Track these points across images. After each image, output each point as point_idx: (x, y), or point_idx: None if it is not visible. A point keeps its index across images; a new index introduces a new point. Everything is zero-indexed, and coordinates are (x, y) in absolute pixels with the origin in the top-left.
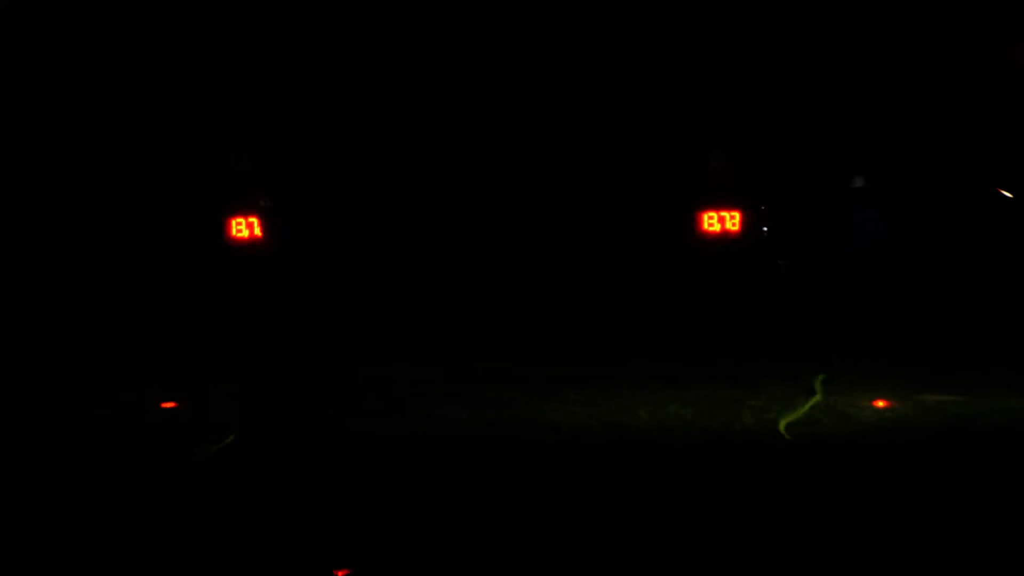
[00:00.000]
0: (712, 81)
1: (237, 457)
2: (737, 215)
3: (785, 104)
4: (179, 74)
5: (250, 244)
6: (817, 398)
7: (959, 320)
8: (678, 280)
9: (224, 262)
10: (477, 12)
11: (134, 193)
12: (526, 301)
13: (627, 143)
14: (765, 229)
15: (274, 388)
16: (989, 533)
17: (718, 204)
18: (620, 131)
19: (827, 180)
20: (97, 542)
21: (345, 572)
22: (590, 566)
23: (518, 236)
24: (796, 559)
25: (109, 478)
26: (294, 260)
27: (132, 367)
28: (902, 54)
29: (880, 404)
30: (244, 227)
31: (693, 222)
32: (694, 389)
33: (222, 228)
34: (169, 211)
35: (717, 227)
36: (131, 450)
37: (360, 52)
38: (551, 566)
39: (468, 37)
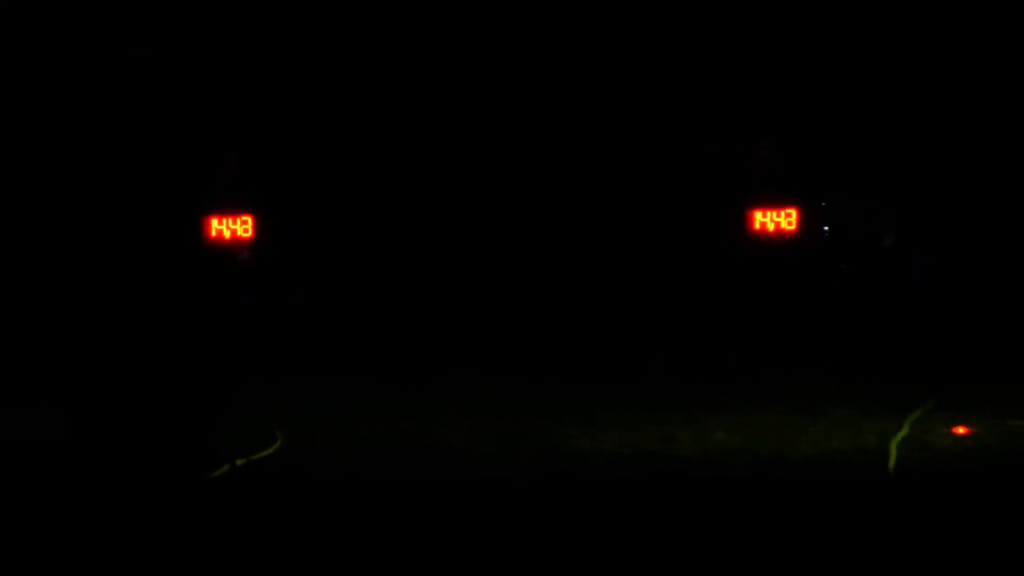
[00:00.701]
0: (759, 63)
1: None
2: (793, 213)
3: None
4: (179, 74)
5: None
6: (904, 431)
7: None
8: (726, 288)
9: (220, 263)
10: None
11: (136, 194)
12: (545, 310)
13: (654, 133)
14: (826, 229)
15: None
16: None
17: (770, 201)
18: (644, 121)
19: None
20: None
21: None
22: None
23: (534, 237)
24: None
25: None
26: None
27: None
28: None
29: (960, 431)
30: (228, 230)
31: (742, 221)
32: (743, 412)
33: (213, 230)
34: (169, 213)
35: (771, 227)
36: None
37: (359, 53)
38: None
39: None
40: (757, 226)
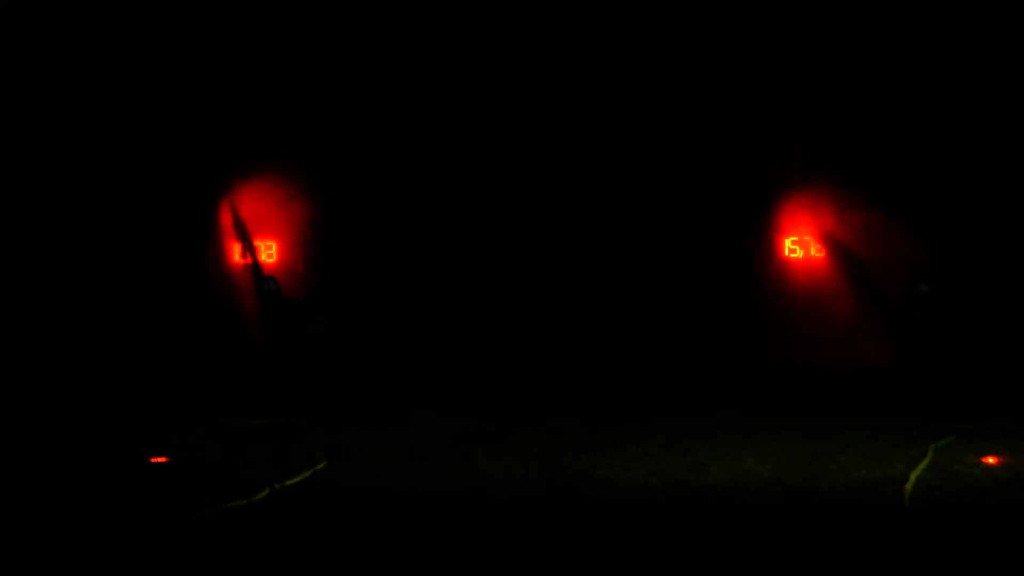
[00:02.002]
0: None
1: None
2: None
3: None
4: (179, 75)
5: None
6: (927, 461)
7: None
8: (758, 316)
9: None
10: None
11: (135, 197)
12: (575, 335)
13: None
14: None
15: None
16: None
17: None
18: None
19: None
20: None
21: None
22: None
23: (565, 258)
24: None
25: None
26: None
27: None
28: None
29: (991, 461)
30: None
31: (772, 247)
32: (772, 441)
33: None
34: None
35: (799, 253)
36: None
37: (363, 55)
38: None
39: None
40: (787, 252)
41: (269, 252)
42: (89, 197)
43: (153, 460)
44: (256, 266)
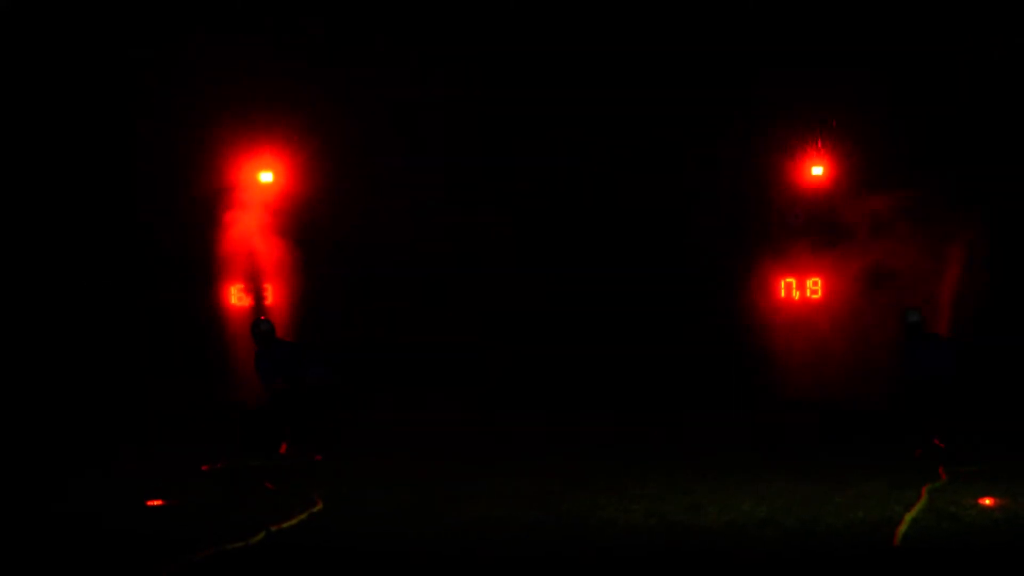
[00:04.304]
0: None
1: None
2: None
3: None
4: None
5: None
6: (923, 503)
7: None
8: (753, 355)
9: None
10: None
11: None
12: (576, 375)
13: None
14: None
15: None
16: None
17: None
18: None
19: None
20: None
21: None
22: None
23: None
24: None
25: None
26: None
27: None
28: None
29: (988, 502)
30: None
31: (767, 289)
32: (770, 481)
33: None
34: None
35: (796, 294)
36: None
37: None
38: None
39: None
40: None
41: (266, 294)
42: (87, 201)
43: (149, 503)
44: (256, 307)
